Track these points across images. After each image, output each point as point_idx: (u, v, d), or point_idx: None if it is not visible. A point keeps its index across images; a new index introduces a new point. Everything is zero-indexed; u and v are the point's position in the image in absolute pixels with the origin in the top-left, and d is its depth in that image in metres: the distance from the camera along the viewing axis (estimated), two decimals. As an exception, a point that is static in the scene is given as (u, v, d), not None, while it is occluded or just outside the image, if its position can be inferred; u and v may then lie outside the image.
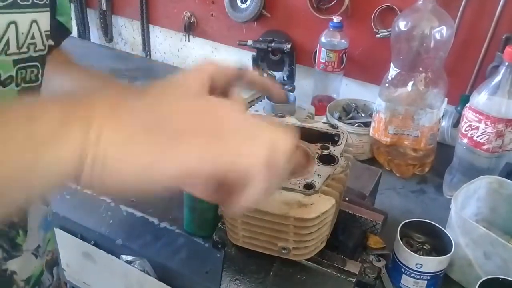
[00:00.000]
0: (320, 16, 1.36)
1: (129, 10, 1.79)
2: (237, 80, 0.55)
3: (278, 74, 1.44)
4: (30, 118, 0.32)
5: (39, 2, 0.51)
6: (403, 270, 0.79)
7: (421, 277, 0.78)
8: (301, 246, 0.60)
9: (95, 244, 0.99)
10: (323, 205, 0.57)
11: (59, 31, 0.62)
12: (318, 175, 0.61)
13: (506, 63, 0.91)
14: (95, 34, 1.93)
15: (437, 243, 0.82)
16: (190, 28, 1.65)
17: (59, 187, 0.35)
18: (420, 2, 1.03)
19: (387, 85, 1.10)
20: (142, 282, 0.94)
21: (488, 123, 0.94)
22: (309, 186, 0.59)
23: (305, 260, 0.63)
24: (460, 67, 1.23)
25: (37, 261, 0.63)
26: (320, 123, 0.72)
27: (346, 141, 0.68)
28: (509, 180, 0.89)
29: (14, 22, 0.48)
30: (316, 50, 1.35)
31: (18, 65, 0.50)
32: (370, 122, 1.15)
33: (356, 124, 1.20)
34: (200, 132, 0.36)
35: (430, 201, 1.07)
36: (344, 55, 1.33)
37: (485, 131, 0.95)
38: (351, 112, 1.26)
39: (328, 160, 0.64)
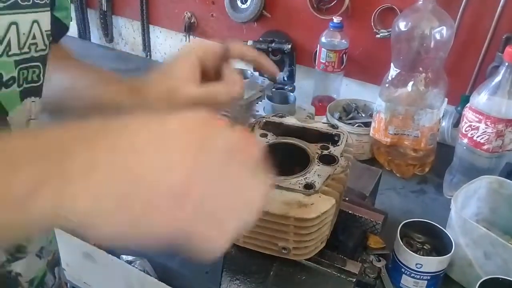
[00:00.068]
0: (320, 16, 1.36)
1: (129, 10, 1.79)
2: (226, 55, 0.55)
3: (278, 75, 1.44)
4: (10, 166, 0.32)
5: (40, 2, 0.50)
6: (403, 270, 0.79)
7: (421, 277, 0.78)
8: (301, 246, 0.60)
9: (95, 244, 0.99)
10: (323, 205, 0.57)
11: (55, 26, 0.62)
12: (318, 175, 0.61)
13: (506, 63, 0.91)
14: (96, 35, 1.93)
15: (437, 243, 0.82)
16: (191, 29, 1.65)
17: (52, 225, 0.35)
18: (420, 2, 1.03)
19: (387, 85, 1.10)
20: (142, 282, 0.94)
21: (488, 123, 0.94)
22: (309, 186, 0.59)
23: (305, 260, 0.63)
24: (460, 67, 1.23)
25: (41, 262, 0.63)
26: (320, 123, 0.72)
27: (346, 141, 0.68)
28: (509, 180, 0.89)
29: (15, 23, 0.48)
30: (316, 50, 1.35)
31: (20, 66, 0.50)
32: (370, 122, 1.15)
33: (356, 124, 1.20)
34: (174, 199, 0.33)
35: (430, 201, 1.07)
36: (344, 55, 1.33)
37: (485, 131, 0.95)
38: (351, 112, 1.26)
39: (328, 160, 0.64)
